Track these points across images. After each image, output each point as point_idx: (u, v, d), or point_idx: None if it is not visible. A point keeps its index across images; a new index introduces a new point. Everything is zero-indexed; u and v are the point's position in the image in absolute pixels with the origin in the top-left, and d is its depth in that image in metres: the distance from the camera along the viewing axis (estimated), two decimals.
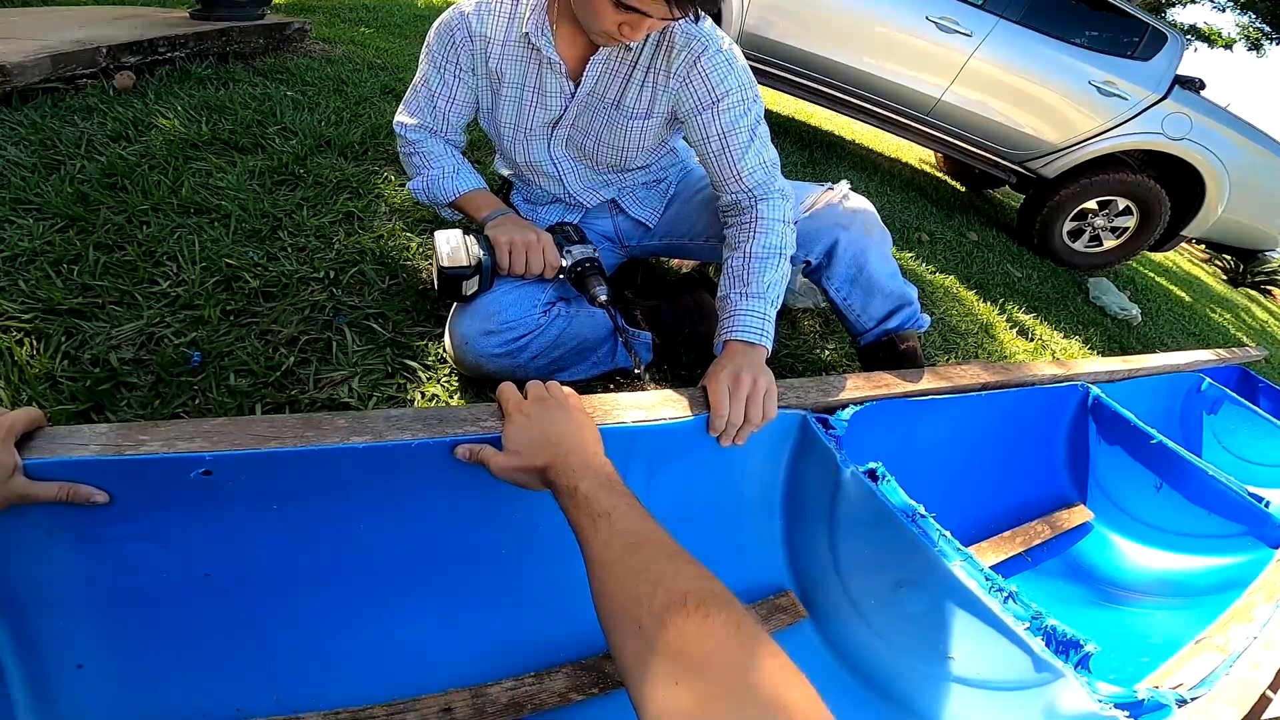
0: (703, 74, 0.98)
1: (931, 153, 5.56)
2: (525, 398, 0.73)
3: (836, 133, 5.06)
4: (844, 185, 1.21)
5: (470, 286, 1.01)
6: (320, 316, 1.12)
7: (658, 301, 1.27)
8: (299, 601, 0.73)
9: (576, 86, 1.04)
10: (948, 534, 0.79)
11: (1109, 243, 3.66)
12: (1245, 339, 4.41)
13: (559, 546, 0.78)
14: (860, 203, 1.18)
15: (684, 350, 1.29)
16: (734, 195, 1.05)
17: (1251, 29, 11.20)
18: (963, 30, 3.20)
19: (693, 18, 0.88)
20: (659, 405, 0.85)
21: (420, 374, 1.08)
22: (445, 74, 1.06)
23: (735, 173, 1.03)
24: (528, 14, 1.00)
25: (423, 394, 1.05)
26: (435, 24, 1.05)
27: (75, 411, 0.88)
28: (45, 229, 1.10)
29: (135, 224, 1.16)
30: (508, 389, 0.74)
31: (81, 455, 0.59)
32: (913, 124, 3.48)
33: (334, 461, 0.67)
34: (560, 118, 1.08)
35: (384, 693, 0.73)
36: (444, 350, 1.10)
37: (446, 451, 0.71)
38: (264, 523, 0.69)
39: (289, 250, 1.22)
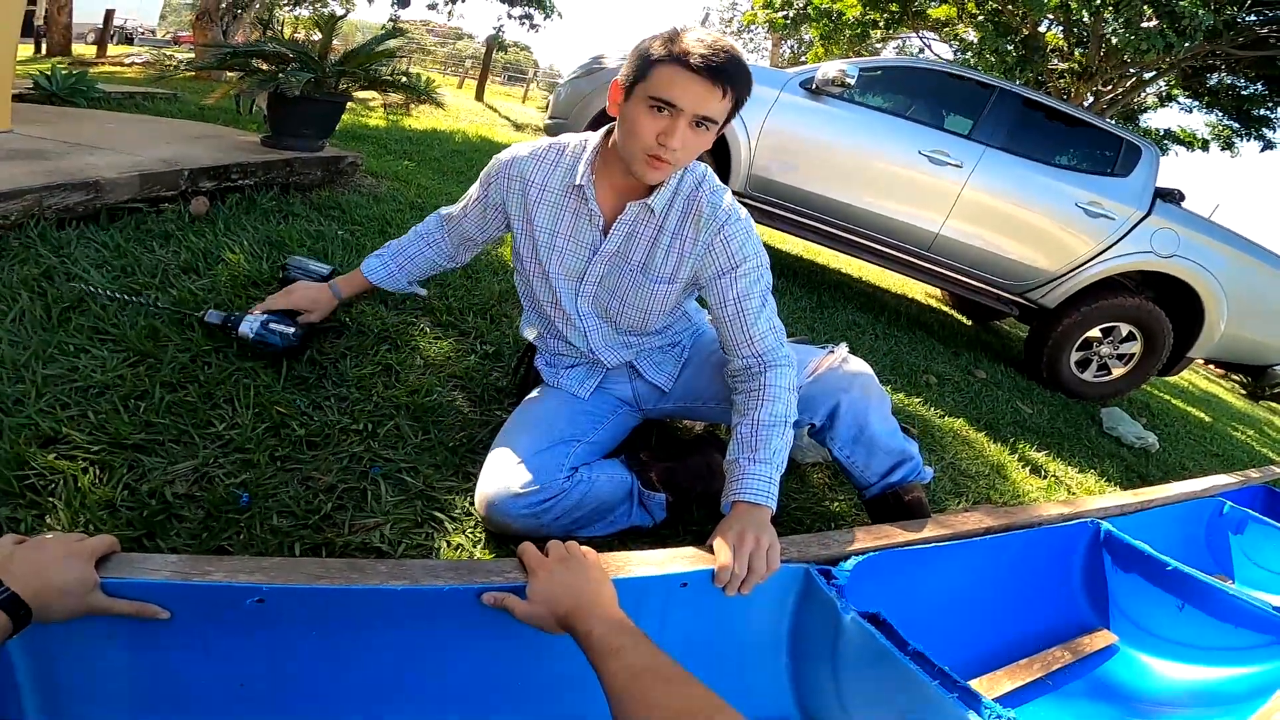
0: (725, 241, 1.15)
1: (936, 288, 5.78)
2: (547, 555, 0.85)
3: (843, 270, 5.37)
4: (843, 349, 1.35)
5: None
6: (357, 467, 1.22)
7: (671, 463, 1.35)
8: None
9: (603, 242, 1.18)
10: (945, 669, 0.87)
11: (1117, 370, 3.61)
12: (1271, 455, 4.37)
13: (571, 683, 0.88)
14: (859, 365, 1.33)
15: (695, 507, 1.40)
16: (745, 360, 1.17)
17: (1220, 128, 11.03)
18: (953, 161, 3.35)
19: (722, 116, 1.03)
20: (668, 561, 0.96)
21: (448, 525, 1.17)
22: (486, 197, 1.26)
23: (748, 336, 1.15)
24: (580, 166, 1.14)
25: (449, 543, 1.14)
26: (494, 160, 1.24)
27: (130, 537, 0.96)
28: (118, 362, 1.22)
29: (199, 364, 1.28)
30: (530, 549, 0.87)
31: (153, 578, 0.70)
32: (914, 260, 3.55)
33: (373, 600, 0.78)
34: (586, 271, 1.20)
35: None
36: (472, 507, 1.20)
37: (475, 598, 0.82)
38: (302, 647, 0.78)
39: (332, 400, 1.35)
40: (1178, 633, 1.38)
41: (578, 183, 1.14)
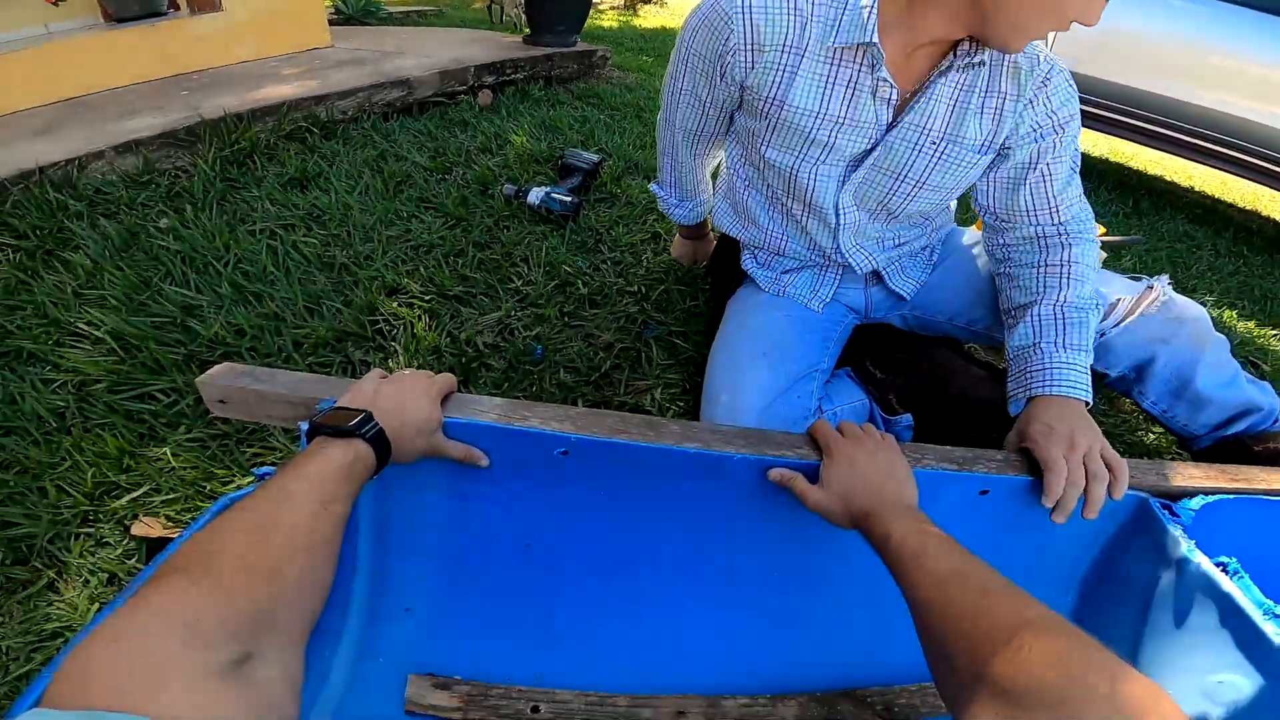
0: (1049, 96, 0.88)
1: None
2: (842, 435, 0.74)
3: (1167, 178, 4.30)
4: (1163, 282, 1.02)
5: None
6: (633, 328, 1.25)
7: (903, 375, 1.14)
8: (591, 583, 0.83)
9: (895, 116, 0.87)
10: None
11: None
12: None
13: (833, 578, 0.83)
14: (1187, 307, 1.00)
15: (936, 419, 1.21)
16: (1041, 228, 0.93)
17: None
18: None
19: None
20: (970, 462, 0.82)
21: None
22: (712, 81, 0.91)
23: (1053, 203, 0.92)
24: (860, 14, 0.78)
25: None
26: (692, 21, 0.88)
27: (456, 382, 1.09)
28: (439, 225, 1.38)
29: (500, 226, 1.40)
30: (824, 428, 0.76)
31: (483, 420, 0.73)
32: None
33: (667, 460, 0.76)
34: (866, 157, 0.91)
35: (636, 683, 0.80)
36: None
37: (761, 470, 0.76)
38: (590, 507, 0.80)
39: (608, 263, 1.39)
40: None
41: (866, 40, 0.79)
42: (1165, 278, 1.03)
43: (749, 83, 0.87)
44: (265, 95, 1.75)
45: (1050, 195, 0.92)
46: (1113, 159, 4.41)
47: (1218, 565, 0.78)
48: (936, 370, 1.15)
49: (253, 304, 1.16)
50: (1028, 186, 0.92)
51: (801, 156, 0.92)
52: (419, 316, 1.18)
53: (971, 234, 1.17)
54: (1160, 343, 0.98)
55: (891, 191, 0.94)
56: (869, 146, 0.89)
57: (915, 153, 0.89)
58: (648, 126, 2.18)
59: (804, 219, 1.01)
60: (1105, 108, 2.96)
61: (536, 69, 2.46)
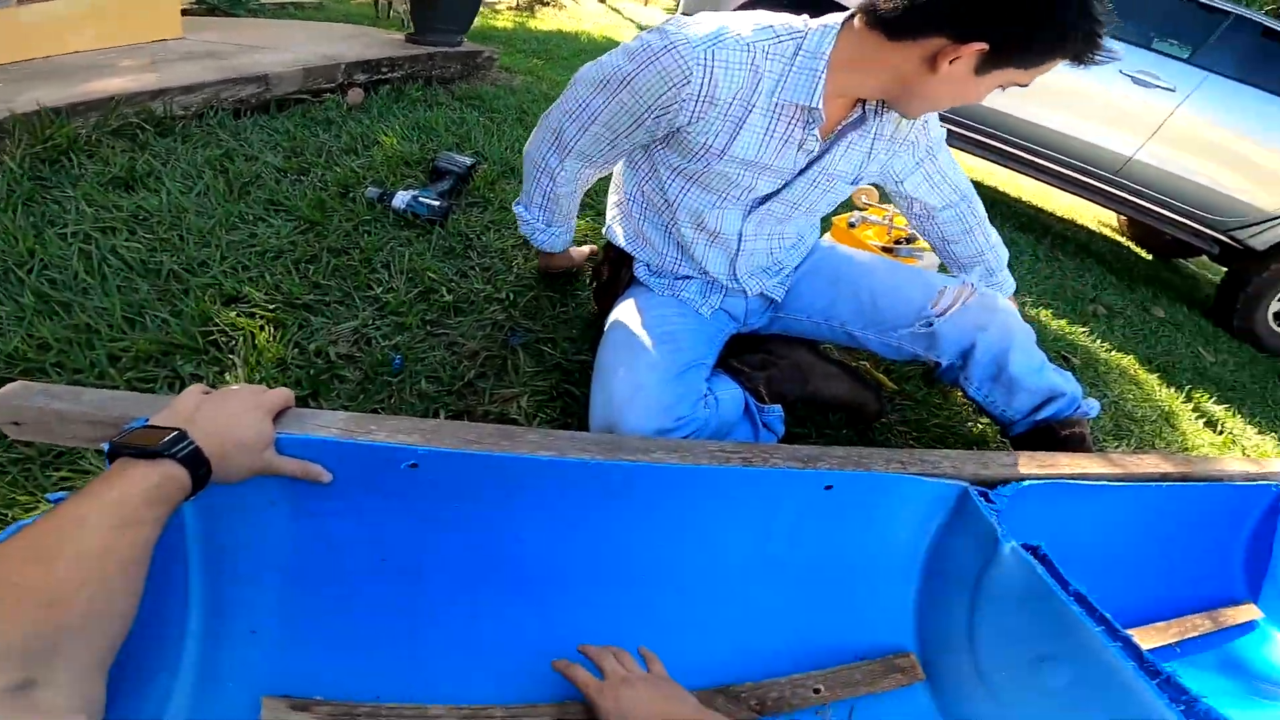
0: (924, 125, 1.06)
1: (1113, 215, 5.11)
2: (603, 673, 0.70)
3: (999, 189, 4.78)
4: (977, 278, 1.19)
5: None
6: (499, 335, 1.22)
7: (769, 370, 1.21)
8: (456, 594, 0.81)
9: (811, 159, 0.95)
10: (1108, 616, 0.76)
11: None
12: None
13: (702, 576, 0.86)
14: (995, 298, 1.13)
15: (804, 413, 1.27)
16: (957, 209, 1.21)
17: None
18: (1164, 85, 2.97)
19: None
20: (814, 459, 0.86)
21: (581, 399, 1.15)
22: (640, 121, 0.90)
23: (954, 188, 1.18)
24: (787, 76, 0.84)
25: (579, 419, 1.12)
26: (635, 58, 0.85)
27: (296, 396, 1.01)
28: (290, 229, 1.29)
29: (360, 231, 1.33)
30: (579, 673, 0.72)
31: (323, 435, 0.69)
32: (1095, 183, 3.22)
33: (521, 470, 0.75)
34: (777, 193, 0.99)
35: (507, 694, 0.78)
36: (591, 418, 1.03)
37: (615, 474, 0.78)
38: (447, 519, 0.77)
39: (477, 269, 1.35)
40: None
41: (810, 105, 0.85)
42: (976, 275, 1.16)
43: (688, 129, 0.89)
44: (92, 89, 1.58)
45: (951, 185, 1.18)
46: None
47: (1027, 548, 0.86)
48: (797, 365, 1.22)
49: (60, 315, 1.03)
50: (935, 187, 1.17)
51: (721, 195, 0.99)
52: (261, 326, 1.10)
53: (826, 239, 1.26)
54: (979, 329, 1.09)
55: (786, 218, 1.06)
56: (779, 187, 0.98)
57: (813, 188, 1.00)
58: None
59: (703, 248, 1.08)
60: (945, 120, 3.26)
61: (416, 68, 2.37)
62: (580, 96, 0.94)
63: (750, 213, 1.03)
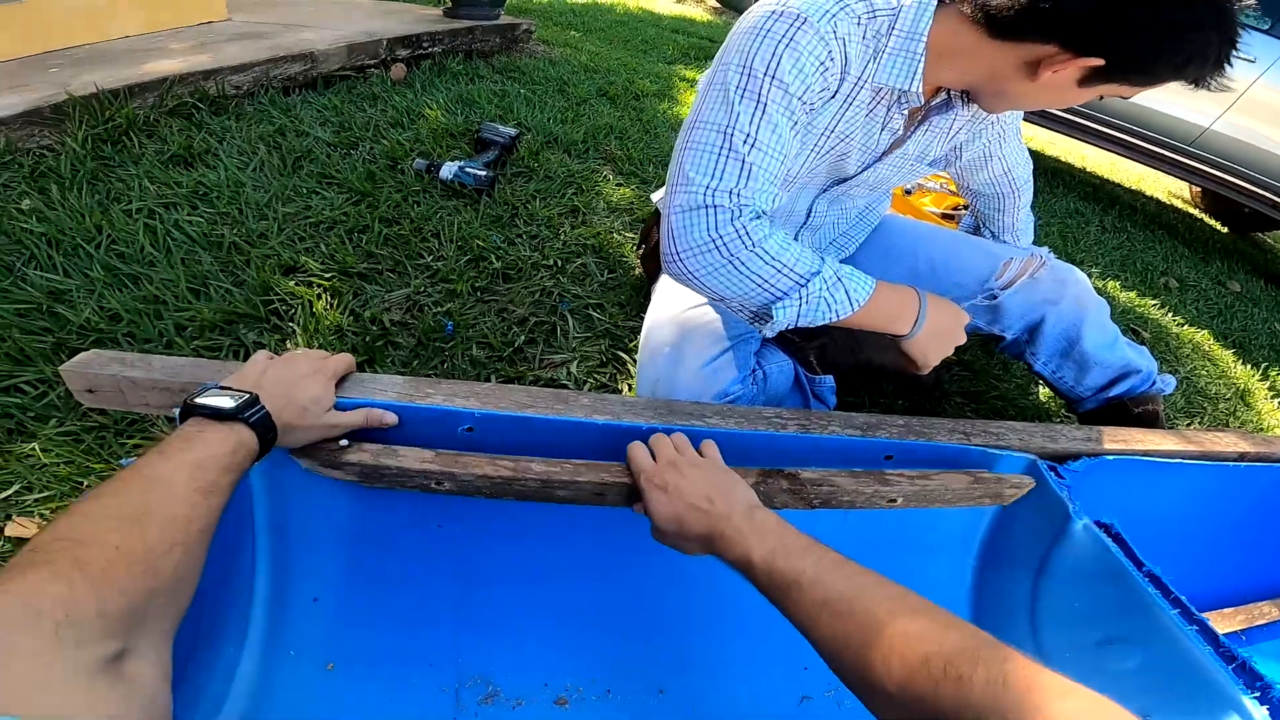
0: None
1: (1185, 186, 4.82)
2: (655, 460, 0.67)
3: (1061, 159, 4.54)
4: (1046, 253, 1.10)
5: None
6: (548, 301, 1.22)
7: (821, 338, 1.14)
8: (510, 563, 0.81)
9: (894, 143, 0.90)
10: (1184, 599, 0.73)
11: None
12: None
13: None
14: (1070, 271, 1.07)
15: (859, 384, 1.23)
16: (999, 188, 1.15)
17: None
18: (1244, 56, 2.77)
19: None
20: (873, 427, 0.84)
21: (629, 365, 1.14)
22: (795, 124, 0.75)
23: (1009, 170, 1.11)
24: (884, 55, 0.76)
25: (630, 385, 1.11)
26: (775, 36, 0.71)
27: (355, 362, 1.03)
28: (342, 201, 1.30)
29: (409, 202, 1.34)
30: (639, 454, 0.68)
31: (382, 399, 0.70)
32: (1167, 154, 3.07)
33: (577, 433, 0.74)
34: (857, 175, 0.94)
35: (563, 670, 0.79)
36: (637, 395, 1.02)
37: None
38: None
39: (524, 237, 1.35)
40: None
41: (909, 88, 0.78)
42: (1046, 249, 1.10)
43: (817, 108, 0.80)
44: (147, 71, 1.62)
45: (1008, 175, 1.13)
46: None
47: (1100, 526, 0.82)
48: (850, 333, 1.17)
49: (129, 287, 1.07)
50: (988, 168, 1.10)
51: (809, 172, 0.92)
52: (318, 295, 1.11)
53: (891, 214, 1.20)
54: (1049, 304, 1.04)
55: (858, 199, 1.01)
56: (861, 169, 0.92)
57: (893, 171, 0.95)
58: (570, 100, 2.14)
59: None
60: None
61: (456, 42, 2.36)
62: (714, 145, 0.77)
63: (824, 191, 0.98)
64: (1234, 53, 0.68)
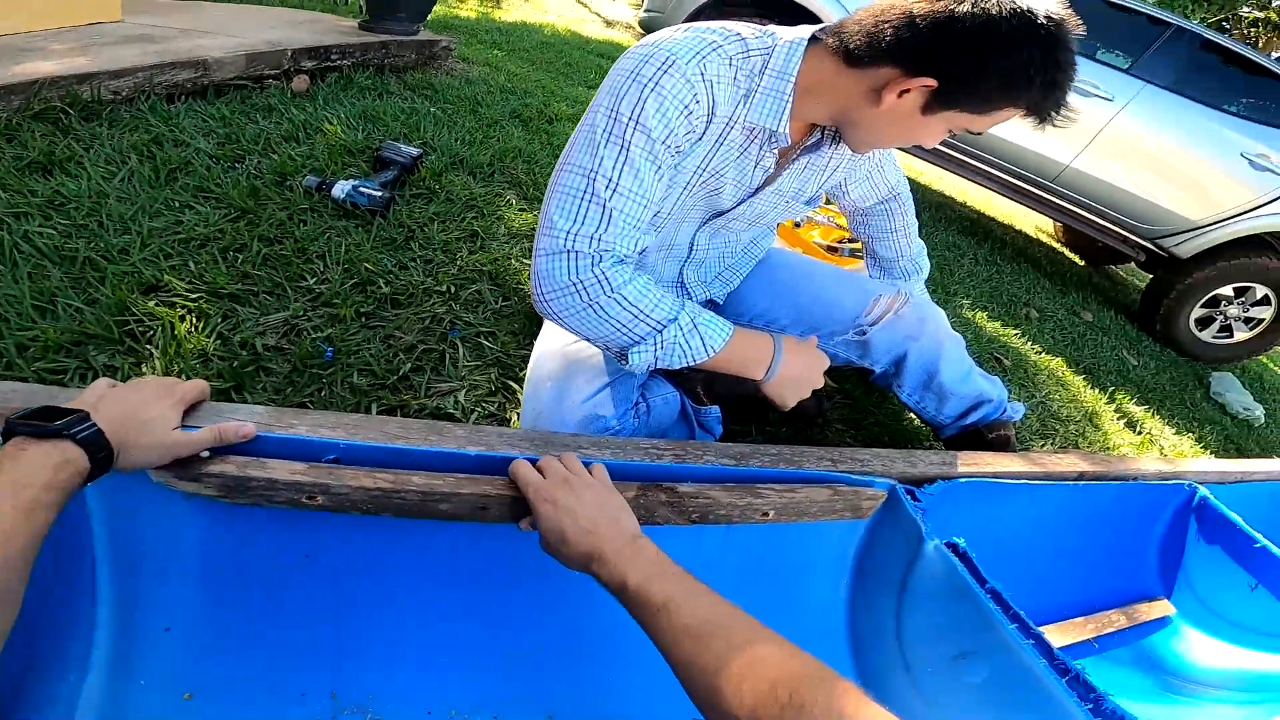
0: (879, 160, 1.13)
1: (1050, 221, 5.30)
2: (544, 477, 0.68)
3: (946, 194, 4.90)
4: (914, 285, 1.23)
5: None
6: (438, 328, 1.20)
7: (702, 372, 1.24)
8: (387, 592, 0.79)
9: (767, 179, 0.93)
10: (1021, 614, 0.78)
11: (1241, 335, 3.37)
12: None
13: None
14: (928, 307, 1.17)
15: (742, 414, 1.27)
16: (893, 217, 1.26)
17: None
18: (1103, 94, 3.06)
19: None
20: (746, 457, 0.87)
21: (519, 395, 1.14)
22: (659, 168, 0.77)
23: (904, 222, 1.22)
24: (755, 95, 0.79)
25: (519, 415, 1.10)
26: (642, 80, 0.73)
27: (219, 389, 0.98)
28: (219, 217, 1.24)
29: (295, 221, 1.29)
30: (523, 471, 0.68)
31: None
32: (1033, 190, 3.33)
33: (449, 465, 0.73)
34: (733, 211, 0.97)
35: (448, 695, 0.77)
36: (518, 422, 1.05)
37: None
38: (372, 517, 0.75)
39: (418, 261, 1.32)
40: (1241, 614, 1.26)
41: (776, 129, 0.81)
42: (916, 278, 1.19)
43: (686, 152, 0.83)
44: (17, 72, 1.49)
45: (887, 184, 1.20)
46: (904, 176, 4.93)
47: (949, 545, 0.87)
48: None
49: None
50: (875, 191, 1.20)
51: (684, 208, 0.95)
52: (182, 316, 1.05)
53: (777, 247, 1.26)
54: (910, 339, 1.12)
55: (740, 233, 1.06)
56: (735, 204, 0.96)
57: (770, 207, 0.99)
58: (481, 121, 2.12)
59: (652, 255, 1.03)
60: None
61: (368, 56, 2.31)
62: (579, 190, 0.79)
63: (704, 224, 1.01)
64: (1069, 80, 0.71)
